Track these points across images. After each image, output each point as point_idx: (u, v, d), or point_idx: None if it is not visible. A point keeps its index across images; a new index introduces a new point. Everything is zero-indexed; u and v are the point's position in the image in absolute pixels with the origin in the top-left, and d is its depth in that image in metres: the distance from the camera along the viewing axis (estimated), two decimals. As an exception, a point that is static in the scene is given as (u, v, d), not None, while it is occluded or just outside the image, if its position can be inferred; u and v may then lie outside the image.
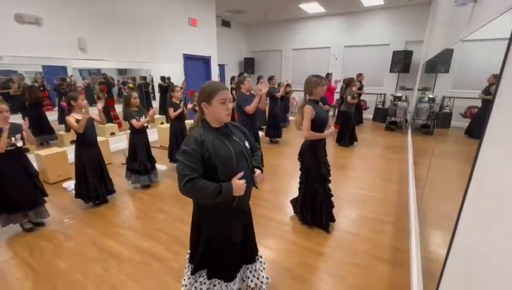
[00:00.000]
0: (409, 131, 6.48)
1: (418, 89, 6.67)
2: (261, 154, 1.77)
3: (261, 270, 1.67)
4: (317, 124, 2.37)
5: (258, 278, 1.64)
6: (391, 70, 7.61)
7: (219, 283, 1.48)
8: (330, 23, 8.80)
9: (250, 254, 1.61)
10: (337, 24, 8.69)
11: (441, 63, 3.66)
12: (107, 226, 2.72)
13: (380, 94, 8.15)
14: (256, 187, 1.53)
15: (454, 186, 1.57)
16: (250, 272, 1.62)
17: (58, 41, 4.19)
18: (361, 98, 8.28)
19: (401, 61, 7.29)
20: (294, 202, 2.83)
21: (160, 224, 2.75)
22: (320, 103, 2.49)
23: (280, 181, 3.80)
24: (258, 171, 1.47)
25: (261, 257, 1.72)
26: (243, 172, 1.33)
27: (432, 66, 4.57)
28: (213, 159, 1.27)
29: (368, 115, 8.40)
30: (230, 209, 1.39)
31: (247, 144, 1.46)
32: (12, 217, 2.51)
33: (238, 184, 1.28)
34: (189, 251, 1.58)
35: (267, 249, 2.34)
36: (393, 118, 6.98)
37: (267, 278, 1.71)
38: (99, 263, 2.18)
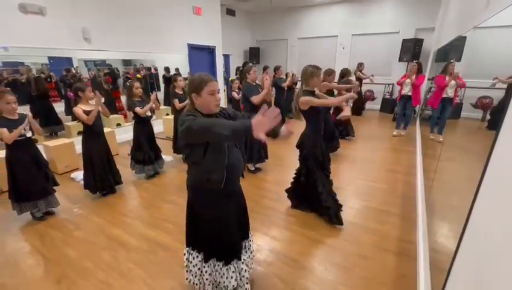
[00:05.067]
0: (417, 122, 6.36)
1: (428, 79, 6.50)
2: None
3: (250, 246, 1.77)
4: (312, 115, 2.41)
5: (247, 252, 1.72)
6: (400, 60, 7.41)
7: (223, 265, 1.55)
8: (337, 11, 8.55)
9: (245, 231, 1.70)
10: (345, 12, 8.44)
11: (452, 51, 3.54)
12: (115, 216, 2.76)
13: (388, 84, 7.97)
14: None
15: (465, 177, 1.53)
16: (245, 247, 1.71)
17: (62, 32, 4.17)
18: (369, 88, 8.14)
19: (411, 50, 7.07)
20: (290, 191, 2.83)
21: (167, 214, 2.78)
22: (318, 93, 2.50)
23: (284, 172, 3.78)
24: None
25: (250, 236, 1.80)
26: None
27: (443, 55, 4.43)
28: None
29: (375, 105, 8.25)
30: (221, 190, 1.42)
31: None
32: (23, 206, 2.57)
33: (259, 119, 1.08)
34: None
35: (272, 239, 2.35)
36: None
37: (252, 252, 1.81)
38: (108, 251, 2.22)
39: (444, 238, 1.63)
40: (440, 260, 1.50)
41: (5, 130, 2.24)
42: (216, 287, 1.61)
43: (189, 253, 1.62)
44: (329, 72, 3.99)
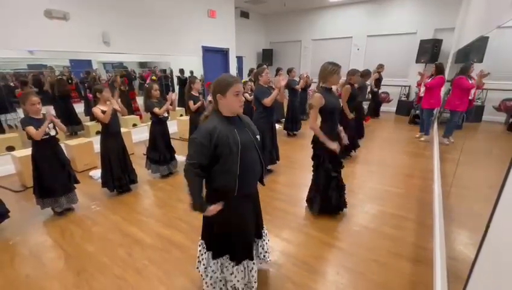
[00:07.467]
0: (435, 125, 6.15)
1: (447, 80, 6.29)
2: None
3: (266, 243, 1.85)
4: (328, 112, 2.38)
5: (264, 249, 1.81)
6: (417, 61, 7.21)
7: (234, 263, 1.58)
8: (352, 12, 8.44)
9: (258, 231, 1.75)
10: (360, 12, 8.31)
11: (473, 52, 3.41)
12: (130, 214, 2.85)
13: (405, 86, 7.77)
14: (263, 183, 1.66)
15: (486, 183, 1.48)
16: (259, 246, 1.79)
17: (83, 36, 4.36)
18: (384, 90, 7.96)
19: (429, 51, 6.86)
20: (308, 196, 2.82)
21: (180, 213, 2.83)
22: (333, 91, 2.51)
23: (297, 174, 3.77)
24: None
25: (264, 227, 1.85)
26: (222, 203, 1.45)
27: (464, 56, 4.28)
28: (221, 147, 1.35)
29: (390, 107, 8.07)
30: (235, 194, 1.46)
31: (258, 136, 1.52)
32: (45, 201, 2.69)
33: (211, 211, 1.43)
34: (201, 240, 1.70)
35: (284, 241, 2.35)
36: (418, 111, 6.66)
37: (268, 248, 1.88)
38: (123, 248, 2.29)
39: (462, 245, 1.57)
40: (458, 268, 1.45)
41: (32, 127, 2.37)
42: (224, 285, 1.63)
43: (203, 246, 1.67)
44: (353, 72, 4.04)
